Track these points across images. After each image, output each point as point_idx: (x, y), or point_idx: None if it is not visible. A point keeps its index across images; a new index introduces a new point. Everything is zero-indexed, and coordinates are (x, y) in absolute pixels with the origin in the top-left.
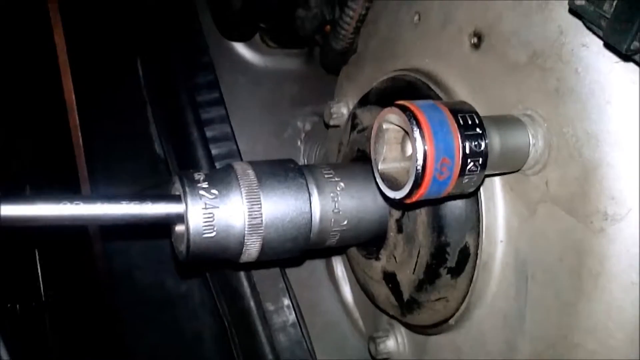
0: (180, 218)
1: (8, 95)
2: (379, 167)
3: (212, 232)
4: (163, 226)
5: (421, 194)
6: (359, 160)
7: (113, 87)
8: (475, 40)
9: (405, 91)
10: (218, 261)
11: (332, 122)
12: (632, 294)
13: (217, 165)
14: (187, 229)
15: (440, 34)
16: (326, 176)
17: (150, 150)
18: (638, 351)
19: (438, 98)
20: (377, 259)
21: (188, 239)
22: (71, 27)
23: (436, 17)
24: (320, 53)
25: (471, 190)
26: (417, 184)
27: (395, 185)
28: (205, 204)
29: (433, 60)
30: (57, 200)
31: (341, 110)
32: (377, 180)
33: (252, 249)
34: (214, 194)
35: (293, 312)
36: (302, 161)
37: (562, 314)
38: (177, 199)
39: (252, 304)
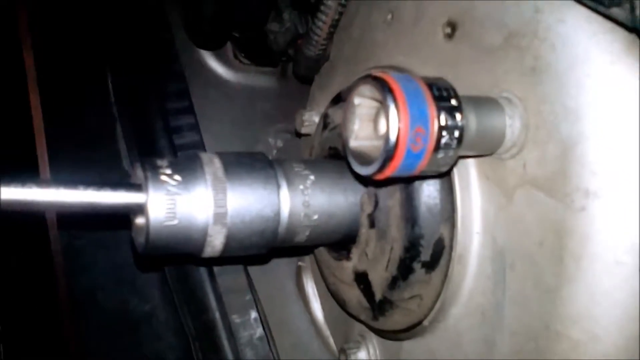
0: (141, 209)
1: None
2: (351, 144)
3: (174, 220)
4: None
5: (394, 167)
6: (329, 157)
7: (81, 103)
8: (448, 30)
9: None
10: (179, 254)
11: (303, 130)
12: (618, 275)
13: None
14: (147, 216)
15: (413, 30)
16: (296, 169)
17: (118, 167)
18: (626, 339)
19: None
20: (348, 258)
21: (148, 227)
22: (40, 43)
23: (409, 13)
24: (293, 63)
25: (445, 169)
26: (390, 155)
27: (367, 162)
28: (168, 190)
29: (407, 56)
30: (7, 182)
31: (313, 118)
32: (349, 157)
33: (216, 241)
34: (177, 180)
35: (260, 326)
36: None
37: (544, 303)
38: (137, 187)
39: (217, 315)
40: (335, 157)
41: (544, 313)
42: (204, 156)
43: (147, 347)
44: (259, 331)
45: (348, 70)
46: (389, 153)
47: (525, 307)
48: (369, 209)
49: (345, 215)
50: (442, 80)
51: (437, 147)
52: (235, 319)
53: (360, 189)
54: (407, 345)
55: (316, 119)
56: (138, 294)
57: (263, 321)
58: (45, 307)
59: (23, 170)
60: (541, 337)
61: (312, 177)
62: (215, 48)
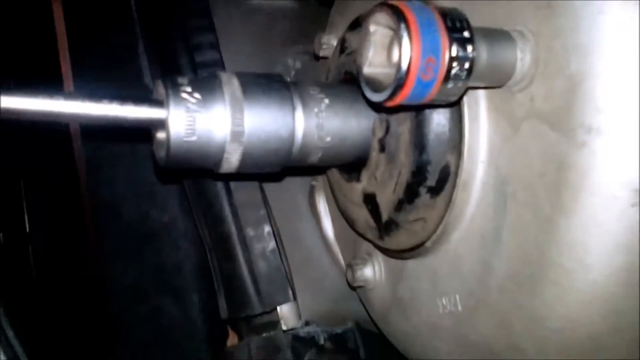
0: (162, 124)
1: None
2: (364, 71)
3: (193, 137)
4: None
5: (405, 94)
6: (345, 82)
7: (104, 19)
8: None
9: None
10: (198, 168)
11: (322, 53)
12: (613, 209)
13: None
14: (168, 132)
15: None
16: (311, 92)
17: (139, 83)
18: (615, 269)
19: None
20: (358, 180)
21: (168, 142)
22: None
23: None
24: None
25: (454, 98)
26: (401, 83)
27: (379, 89)
28: (188, 107)
29: None
30: (35, 94)
31: (331, 41)
32: (361, 83)
33: (232, 158)
34: (197, 98)
35: (273, 239)
36: None
37: (540, 231)
38: (159, 103)
39: (233, 228)
40: (350, 82)
41: (540, 241)
42: (223, 76)
43: (165, 255)
44: (272, 244)
45: None
46: (400, 81)
47: (523, 234)
48: (380, 133)
49: (357, 139)
50: (457, 10)
51: (447, 77)
52: (250, 232)
53: (373, 114)
54: (411, 264)
55: (334, 43)
56: (157, 205)
57: (276, 235)
58: (69, 216)
59: (47, 82)
60: (536, 263)
61: (326, 101)
62: None
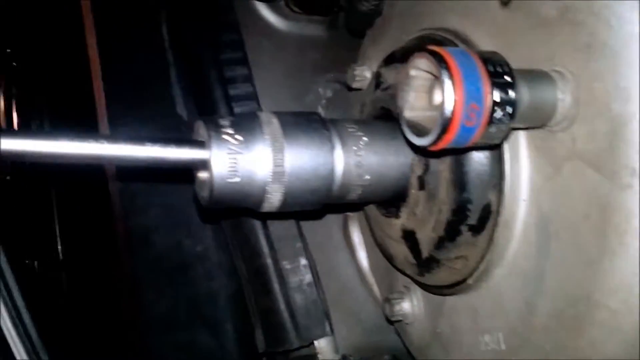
0: (204, 164)
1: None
2: (406, 115)
3: (235, 178)
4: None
5: (448, 140)
6: (381, 118)
7: (136, 48)
8: None
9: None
10: (239, 208)
11: (355, 85)
12: None
13: None
14: (211, 173)
15: None
16: (349, 130)
17: (172, 112)
18: None
19: None
20: (397, 216)
21: (211, 184)
22: None
23: None
24: (345, 16)
25: (497, 141)
26: (444, 129)
27: (421, 133)
28: (230, 149)
29: (460, 18)
30: (81, 137)
31: (364, 73)
32: (403, 127)
33: (274, 198)
34: (239, 140)
35: (309, 272)
36: None
37: (585, 272)
38: (201, 144)
39: (269, 262)
40: (387, 117)
41: (585, 282)
42: (263, 116)
43: (199, 286)
44: (308, 277)
45: (401, 27)
46: (443, 128)
47: (567, 274)
48: (419, 171)
49: (395, 176)
50: (497, 55)
51: (490, 122)
52: (286, 265)
53: (411, 151)
54: (450, 300)
55: (367, 74)
56: (191, 235)
57: (312, 268)
58: (102, 244)
59: (81, 112)
60: (581, 304)
61: (365, 139)
62: (273, 0)
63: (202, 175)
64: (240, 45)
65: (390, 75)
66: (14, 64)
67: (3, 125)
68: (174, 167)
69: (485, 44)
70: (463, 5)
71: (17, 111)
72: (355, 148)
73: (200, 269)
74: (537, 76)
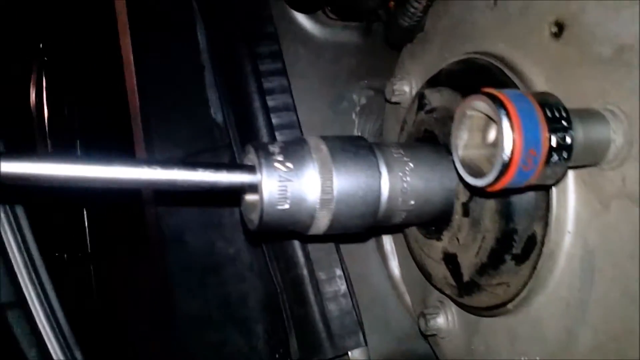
0: (253, 188)
1: (67, 55)
2: (460, 154)
3: (285, 205)
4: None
5: (504, 183)
6: (426, 141)
7: (171, 50)
8: (555, 29)
9: (478, 75)
10: (287, 232)
11: (393, 99)
12: None
13: (277, 135)
14: (262, 199)
15: (518, 20)
16: (395, 155)
17: (206, 115)
18: None
19: (513, 84)
20: (439, 239)
21: (261, 210)
22: None
23: (514, 3)
24: (385, 29)
25: (551, 182)
26: (502, 174)
27: (474, 171)
28: (280, 176)
29: (508, 45)
30: (134, 163)
31: (404, 87)
32: (458, 166)
33: (321, 223)
34: (289, 167)
35: (345, 283)
36: (356, 135)
37: (630, 310)
38: (251, 169)
39: (305, 272)
40: (430, 140)
41: (629, 319)
42: (312, 142)
43: (231, 286)
44: (343, 288)
45: (444, 46)
46: (501, 172)
47: (611, 309)
48: (464, 198)
49: (440, 201)
50: (553, 98)
51: (546, 165)
52: (322, 275)
53: (456, 177)
54: (487, 321)
55: (406, 89)
56: (223, 237)
57: (347, 278)
58: (136, 245)
59: (113, 112)
60: (624, 339)
61: (411, 165)
62: (312, 11)
63: (250, 197)
64: (279, 56)
65: (434, 98)
66: (46, 58)
67: (34, 118)
68: (224, 191)
69: (534, 74)
70: (511, 33)
71: (47, 104)
72: (401, 174)
73: (232, 270)
74: (591, 117)
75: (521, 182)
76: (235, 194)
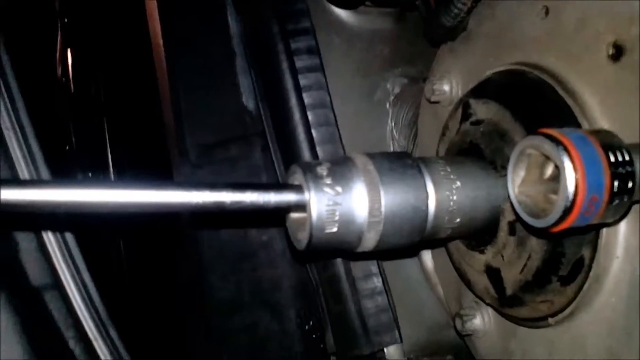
0: (300, 207)
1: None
2: (516, 192)
3: (333, 228)
4: None
5: (564, 227)
6: (469, 153)
7: (202, 35)
8: (613, 51)
9: (529, 91)
10: (334, 251)
11: (433, 99)
12: None
13: (314, 132)
14: (311, 223)
15: (572, 35)
16: (442, 173)
17: (237, 102)
18: None
19: (565, 105)
20: (482, 252)
21: (310, 234)
22: None
23: (569, 16)
24: (425, 26)
25: (610, 221)
26: (562, 219)
27: (530, 208)
28: (329, 200)
29: (561, 61)
30: (186, 187)
31: (443, 87)
32: (515, 206)
33: (368, 243)
34: (338, 191)
35: (380, 280)
36: (390, 125)
37: None
38: (298, 189)
39: (342, 270)
40: (475, 153)
41: None
42: (359, 163)
43: (263, 272)
44: (379, 285)
45: (489, 50)
46: (561, 218)
47: None
48: (510, 217)
49: (486, 219)
50: (616, 139)
51: (608, 209)
52: (358, 273)
53: (502, 194)
54: (526, 330)
55: (446, 88)
56: (257, 225)
57: (382, 275)
58: (168, 231)
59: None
60: None
61: (458, 183)
62: (355, 7)
63: (296, 215)
64: (315, 52)
65: (480, 110)
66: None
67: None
68: (272, 211)
69: (589, 96)
70: (564, 48)
71: (72, 78)
72: (448, 193)
73: (265, 257)
74: None
75: (582, 224)
76: (281, 212)
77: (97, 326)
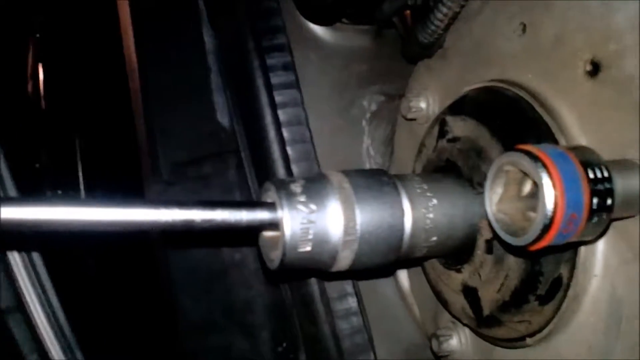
0: (273, 225)
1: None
2: (494, 209)
3: (307, 247)
4: None
5: (542, 245)
6: (446, 170)
7: (177, 51)
8: (590, 67)
9: (507, 108)
10: (307, 271)
11: (410, 116)
12: None
13: (289, 149)
14: (284, 242)
15: (550, 52)
16: (418, 191)
17: (211, 119)
18: None
19: (542, 121)
20: (459, 271)
21: (283, 253)
22: None
23: (546, 33)
24: (402, 43)
25: (589, 239)
26: (541, 236)
27: (508, 225)
28: (303, 218)
29: (538, 77)
30: (152, 205)
31: (420, 104)
32: (493, 223)
33: (343, 263)
34: (312, 209)
35: (355, 300)
36: (366, 142)
37: None
38: (271, 207)
39: (316, 291)
40: (452, 171)
41: None
42: (335, 181)
43: (236, 293)
44: (354, 305)
45: (466, 67)
46: (539, 236)
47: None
48: (487, 235)
49: (462, 237)
50: (595, 156)
51: (586, 226)
52: (332, 293)
53: (479, 212)
54: (503, 351)
55: (423, 105)
56: (230, 244)
57: (357, 294)
58: (139, 250)
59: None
60: None
61: (434, 201)
62: (331, 24)
63: (269, 234)
64: (290, 68)
65: (457, 127)
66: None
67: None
68: (244, 230)
69: (566, 112)
70: (541, 65)
71: (43, 94)
72: (424, 210)
73: (238, 276)
74: (629, 170)
75: (560, 242)
76: (253, 231)
77: (63, 349)
